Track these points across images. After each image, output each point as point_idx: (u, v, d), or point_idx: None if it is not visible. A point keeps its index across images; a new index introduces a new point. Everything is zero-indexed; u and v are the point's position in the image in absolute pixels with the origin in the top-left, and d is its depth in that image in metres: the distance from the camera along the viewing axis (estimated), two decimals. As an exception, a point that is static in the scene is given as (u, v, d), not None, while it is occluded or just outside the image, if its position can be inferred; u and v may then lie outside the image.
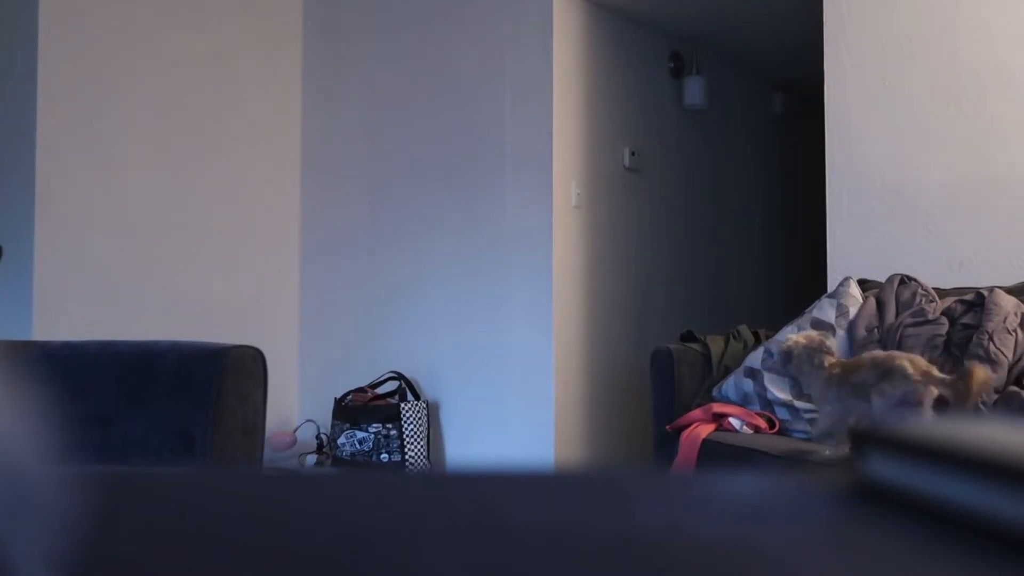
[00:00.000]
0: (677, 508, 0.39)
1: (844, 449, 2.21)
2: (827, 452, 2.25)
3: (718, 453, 2.51)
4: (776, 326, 3.08)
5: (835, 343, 2.34)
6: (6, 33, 3.68)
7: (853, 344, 2.76)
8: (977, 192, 3.09)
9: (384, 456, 3.96)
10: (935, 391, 2.08)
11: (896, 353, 2.22)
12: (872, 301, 2.84)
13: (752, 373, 2.82)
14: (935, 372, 2.10)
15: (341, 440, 4.03)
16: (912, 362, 2.10)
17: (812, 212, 4.23)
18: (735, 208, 5.16)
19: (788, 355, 2.29)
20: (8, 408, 0.27)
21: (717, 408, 2.70)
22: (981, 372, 2.04)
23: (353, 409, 4.06)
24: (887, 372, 2.09)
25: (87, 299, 3.72)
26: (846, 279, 2.97)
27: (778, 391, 2.74)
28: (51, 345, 2.29)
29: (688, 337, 3.16)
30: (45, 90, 3.59)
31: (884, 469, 0.40)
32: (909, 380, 2.06)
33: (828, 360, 2.23)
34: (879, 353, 2.28)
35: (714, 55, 4.93)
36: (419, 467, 4.03)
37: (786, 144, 5.59)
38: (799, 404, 2.68)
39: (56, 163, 3.63)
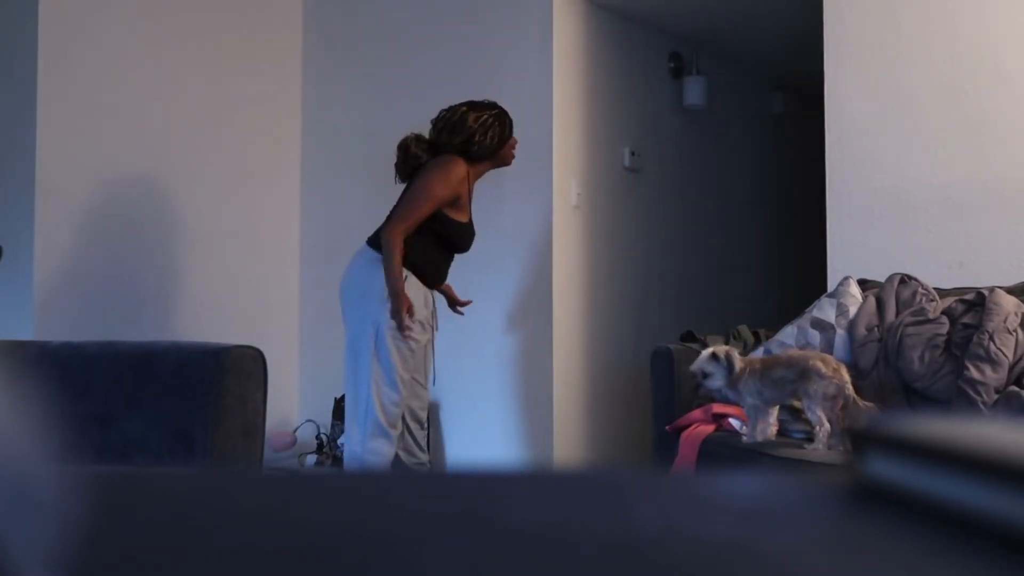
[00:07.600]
0: (677, 508, 0.39)
1: (840, 448, 2.22)
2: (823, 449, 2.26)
3: (718, 453, 2.51)
4: (776, 326, 3.08)
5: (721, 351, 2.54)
6: (6, 33, 3.68)
7: (853, 344, 2.75)
8: (977, 192, 3.09)
9: (384, 456, 3.96)
10: (850, 387, 2.29)
11: (809, 353, 2.47)
12: (872, 300, 2.83)
13: (752, 373, 2.81)
14: (844, 371, 2.31)
15: (341, 440, 4.03)
16: (824, 361, 2.32)
17: (812, 212, 4.23)
18: (735, 208, 5.15)
19: (736, 379, 2.44)
20: (8, 408, 0.27)
21: (717, 408, 2.70)
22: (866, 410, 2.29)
23: (353, 409, 4.05)
24: (803, 372, 2.29)
25: (87, 299, 3.71)
26: (846, 279, 2.97)
27: (778, 391, 2.73)
28: (51, 345, 2.29)
29: (688, 337, 3.16)
30: (45, 90, 3.59)
31: (884, 469, 0.40)
32: (823, 377, 2.26)
33: (741, 361, 2.45)
34: (794, 352, 2.53)
35: (714, 55, 4.93)
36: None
37: (786, 144, 5.59)
38: (798, 405, 2.68)
39: (56, 162, 3.62)
